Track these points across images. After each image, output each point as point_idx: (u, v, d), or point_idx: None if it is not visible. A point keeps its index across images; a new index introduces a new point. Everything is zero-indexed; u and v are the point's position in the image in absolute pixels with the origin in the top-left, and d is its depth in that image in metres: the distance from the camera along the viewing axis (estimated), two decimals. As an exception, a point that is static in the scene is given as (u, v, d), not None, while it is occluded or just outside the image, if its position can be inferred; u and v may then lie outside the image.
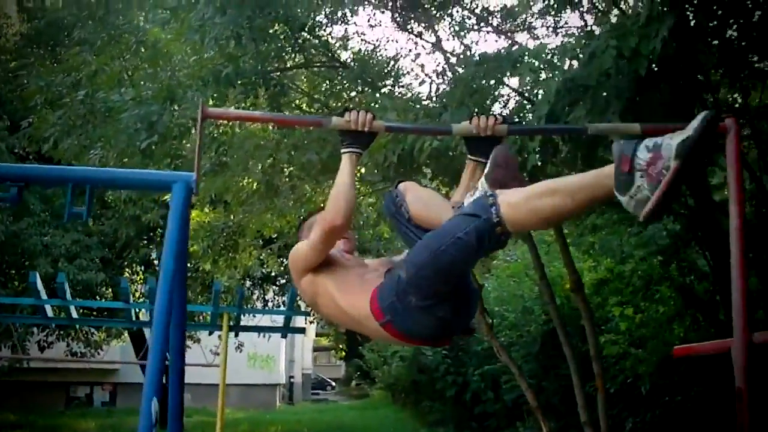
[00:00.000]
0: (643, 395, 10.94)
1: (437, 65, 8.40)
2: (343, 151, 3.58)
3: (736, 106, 8.78)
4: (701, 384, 10.30)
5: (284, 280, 23.53)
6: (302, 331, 10.50)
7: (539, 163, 6.07)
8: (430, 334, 3.42)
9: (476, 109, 6.41)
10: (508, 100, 7.63)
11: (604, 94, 5.51)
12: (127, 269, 20.49)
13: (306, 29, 8.82)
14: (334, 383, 54.41)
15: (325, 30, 9.43)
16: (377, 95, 8.31)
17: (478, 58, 6.91)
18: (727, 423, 9.44)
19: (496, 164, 3.31)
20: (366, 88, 8.67)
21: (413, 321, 3.33)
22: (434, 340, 3.55)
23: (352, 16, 9.38)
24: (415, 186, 3.69)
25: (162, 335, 3.33)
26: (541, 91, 6.61)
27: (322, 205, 11.24)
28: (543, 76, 6.05)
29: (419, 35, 9.34)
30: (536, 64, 6.19)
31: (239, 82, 7.86)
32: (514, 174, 3.30)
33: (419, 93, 9.32)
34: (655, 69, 5.55)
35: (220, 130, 9.16)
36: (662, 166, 2.77)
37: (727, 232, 8.48)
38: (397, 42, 17.43)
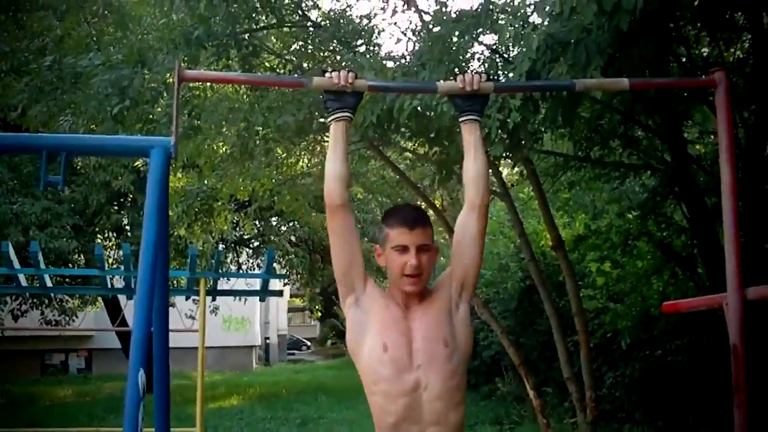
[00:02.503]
0: (623, 350, 10.99)
1: (411, 23, 8.26)
2: (328, 119, 3.45)
3: (710, 61, 8.77)
4: (681, 338, 10.36)
5: (257, 243, 23.50)
6: (280, 294, 10.46)
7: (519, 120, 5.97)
8: None
9: (455, 67, 6.33)
10: (485, 60, 7.54)
11: (585, 50, 5.44)
12: (99, 236, 20.33)
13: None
14: (309, 343, 54.60)
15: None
16: (352, 54, 8.20)
17: (455, 15, 6.81)
18: (707, 375, 9.52)
19: None
20: (340, 48, 8.56)
21: None
22: None
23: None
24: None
25: (146, 304, 3.26)
26: (516, 50, 6.55)
27: (299, 169, 11.11)
28: (522, 32, 5.95)
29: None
30: (515, 20, 6.11)
31: (210, 44, 7.72)
32: None
33: (392, 52, 9.23)
34: (635, 25, 5.49)
35: (193, 93, 9.03)
36: None
37: (703, 187, 8.50)
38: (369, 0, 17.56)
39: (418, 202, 10.63)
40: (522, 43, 5.83)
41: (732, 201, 3.69)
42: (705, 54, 9.22)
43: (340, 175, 3.34)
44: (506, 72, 6.88)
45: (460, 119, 3.52)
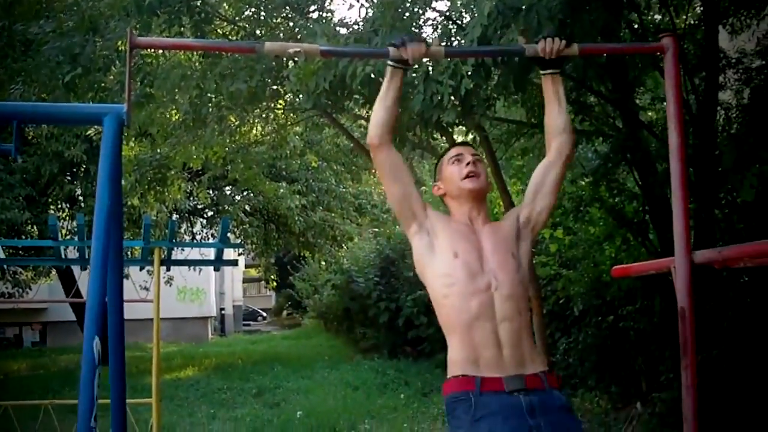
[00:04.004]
0: (576, 316, 11.09)
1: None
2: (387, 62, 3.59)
3: (661, 27, 8.84)
4: (633, 303, 10.47)
5: (211, 213, 23.40)
6: (235, 263, 10.42)
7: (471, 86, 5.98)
8: None
9: (407, 33, 6.33)
10: (437, 25, 7.54)
11: (536, 16, 5.46)
12: (51, 207, 20.14)
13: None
14: (265, 314, 54.59)
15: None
16: (305, 21, 8.16)
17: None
18: (659, 340, 9.63)
19: None
20: (293, 14, 8.50)
21: None
22: None
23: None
24: None
25: (100, 273, 3.25)
26: (468, 16, 6.56)
27: (252, 136, 11.02)
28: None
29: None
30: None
31: (162, 10, 7.65)
32: None
33: (345, 18, 9.16)
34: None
35: (144, 61, 8.94)
36: None
37: (654, 153, 8.56)
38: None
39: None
40: (474, 9, 5.84)
41: (680, 165, 3.73)
42: (657, 20, 9.29)
43: (381, 120, 3.52)
44: (458, 38, 6.89)
45: (542, 73, 3.67)
